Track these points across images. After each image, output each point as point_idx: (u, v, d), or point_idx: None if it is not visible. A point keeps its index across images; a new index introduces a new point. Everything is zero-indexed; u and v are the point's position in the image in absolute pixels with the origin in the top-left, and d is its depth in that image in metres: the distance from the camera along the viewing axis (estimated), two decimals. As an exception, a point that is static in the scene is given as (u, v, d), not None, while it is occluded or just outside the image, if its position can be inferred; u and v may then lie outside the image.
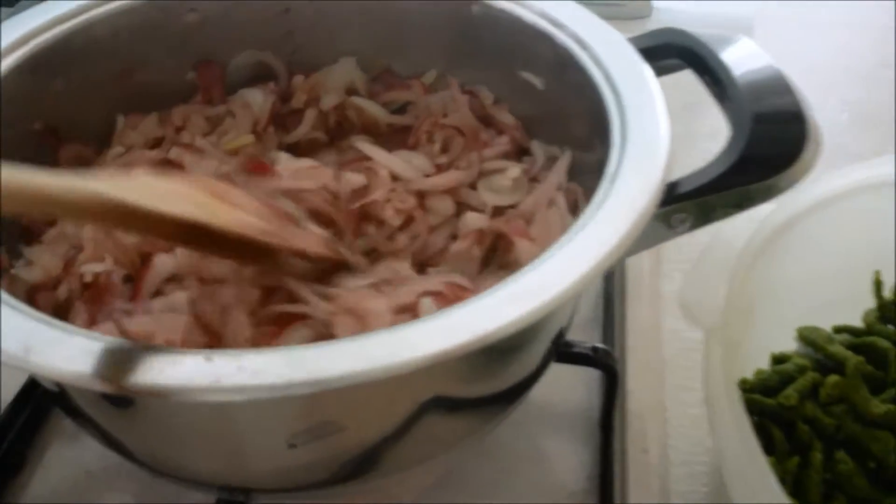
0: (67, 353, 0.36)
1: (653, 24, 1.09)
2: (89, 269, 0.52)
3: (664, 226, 0.50)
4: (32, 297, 0.53)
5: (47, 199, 0.38)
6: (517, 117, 0.66)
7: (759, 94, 0.52)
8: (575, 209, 0.59)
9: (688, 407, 0.64)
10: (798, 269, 0.62)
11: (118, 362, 0.36)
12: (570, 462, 0.61)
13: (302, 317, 0.50)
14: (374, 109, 0.68)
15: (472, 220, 0.59)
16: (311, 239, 0.53)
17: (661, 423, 0.63)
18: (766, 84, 0.52)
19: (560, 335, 0.54)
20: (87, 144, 0.61)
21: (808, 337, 0.64)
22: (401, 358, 0.36)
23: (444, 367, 0.40)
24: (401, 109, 0.69)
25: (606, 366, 0.59)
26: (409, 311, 0.50)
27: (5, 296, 0.40)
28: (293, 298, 0.51)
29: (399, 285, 0.52)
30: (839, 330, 0.65)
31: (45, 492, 0.59)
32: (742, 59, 0.54)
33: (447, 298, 0.51)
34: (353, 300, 0.50)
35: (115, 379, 0.35)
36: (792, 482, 0.55)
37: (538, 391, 0.55)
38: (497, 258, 0.59)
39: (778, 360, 0.63)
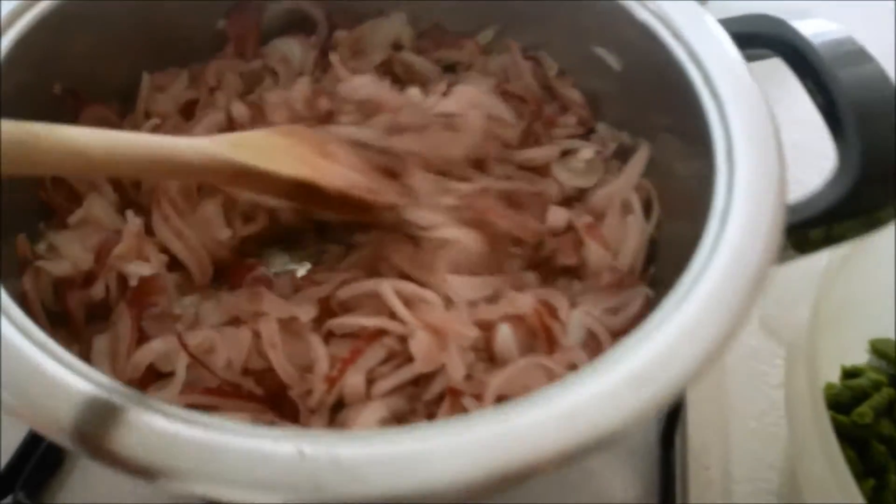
0: (126, 441, 0.31)
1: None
2: (135, 271, 0.46)
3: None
4: (61, 293, 0.47)
5: (158, 161, 0.40)
6: (584, 94, 0.59)
7: (869, 110, 0.46)
8: (648, 209, 0.54)
9: (749, 419, 0.61)
10: (872, 278, 0.59)
11: (189, 453, 0.31)
12: (627, 478, 0.57)
13: (379, 334, 0.46)
14: (423, 66, 0.61)
15: (557, 214, 0.54)
16: (396, 189, 0.51)
17: (722, 437, 0.60)
18: (874, 91, 0.47)
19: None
20: (111, 105, 0.55)
21: (881, 349, 0.60)
22: (518, 459, 0.32)
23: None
24: (449, 69, 0.62)
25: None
26: (486, 330, 0.47)
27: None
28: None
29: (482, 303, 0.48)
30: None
31: (84, 491, 0.54)
32: (843, 60, 0.49)
33: (527, 323, 0.47)
34: (435, 316, 0.46)
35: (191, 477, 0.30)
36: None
37: None
38: (553, 259, 0.54)
39: (849, 373, 0.59)
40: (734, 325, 0.37)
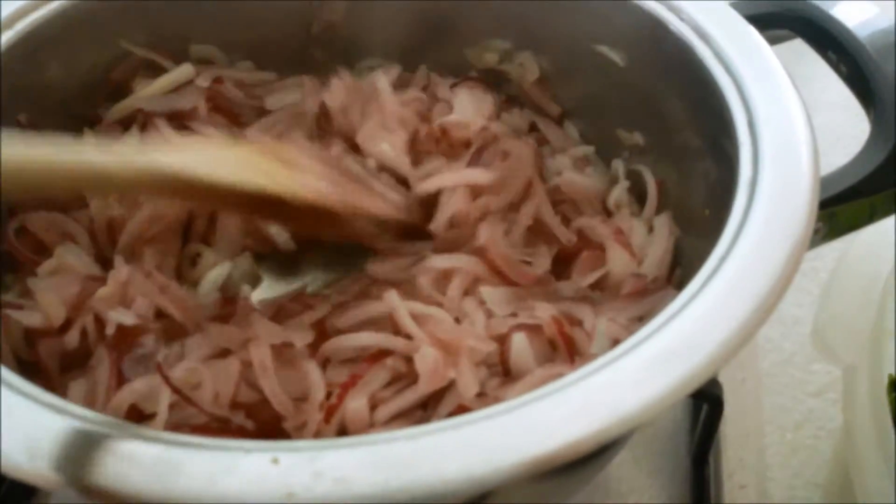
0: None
1: None
2: (117, 318, 0.42)
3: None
4: (32, 342, 0.43)
5: (102, 176, 0.37)
6: (588, 97, 0.56)
7: None
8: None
9: (786, 431, 0.56)
10: None
11: (162, 468, 0.27)
12: (655, 497, 0.53)
13: (381, 354, 0.42)
14: None
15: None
16: (384, 202, 0.50)
17: (759, 452, 0.55)
18: None
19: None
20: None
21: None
22: (525, 455, 0.27)
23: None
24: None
25: (712, 396, 0.50)
26: (499, 343, 0.43)
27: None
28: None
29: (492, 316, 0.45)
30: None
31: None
32: (864, 25, 0.46)
33: (545, 334, 0.43)
34: (444, 331, 0.43)
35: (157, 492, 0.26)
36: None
37: None
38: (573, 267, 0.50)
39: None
40: (767, 302, 0.33)
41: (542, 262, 0.49)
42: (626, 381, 0.30)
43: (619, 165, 0.54)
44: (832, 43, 0.46)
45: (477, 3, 0.56)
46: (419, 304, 0.44)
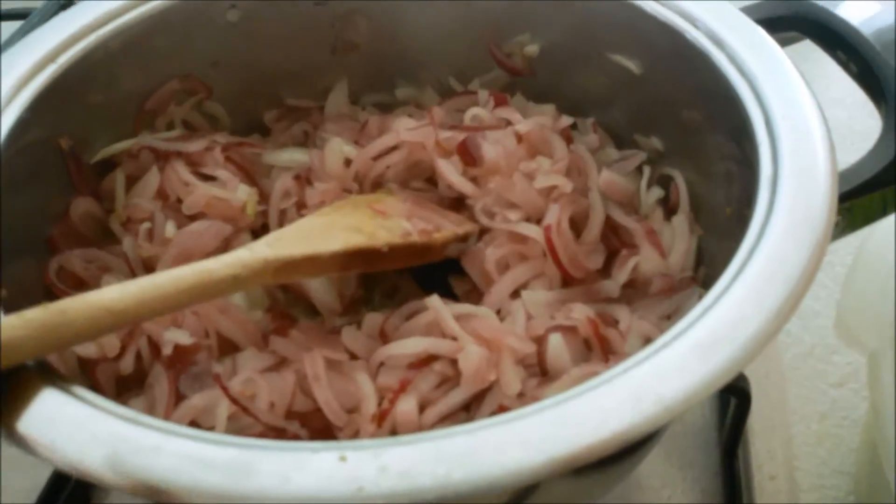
0: (170, 463, 0.29)
1: None
2: (171, 338, 0.44)
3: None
4: (89, 369, 0.44)
5: (191, 292, 0.39)
6: (604, 103, 0.58)
7: None
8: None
9: (811, 422, 0.58)
10: None
11: (235, 469, 0.28)
12: (689, 491, 0.54)
13: (429, 360, 0.44)
14: None
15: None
16: (456, 218, 0.52)
17: (786, 444, 0.56)
18: None
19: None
20: (97, 193, 0.54)
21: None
22: (579, 444, 0.29)
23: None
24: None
25: (739, 390, 0.52)
26: (537, 344, 0.44)
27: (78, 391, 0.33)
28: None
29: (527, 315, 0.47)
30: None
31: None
32: (870, 23, 0.48)
33: (580, 334, 0.44)
34: (487, 329, 0.44)
35: (233, 491, 0.28)
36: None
37: None
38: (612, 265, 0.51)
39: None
40: (795, 293, 0.35)
41: (597, 258, 0.51)
42: (668, 372, 0.31)
43: (646, 170, 0.55)
44: (841, 43, 0.48)
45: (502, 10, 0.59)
46: (463, 304, 0.47)
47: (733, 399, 0.53)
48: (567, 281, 0.49)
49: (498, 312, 0.47)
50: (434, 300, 0.45)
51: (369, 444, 0.29)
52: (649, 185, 0.54)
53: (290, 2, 0.59)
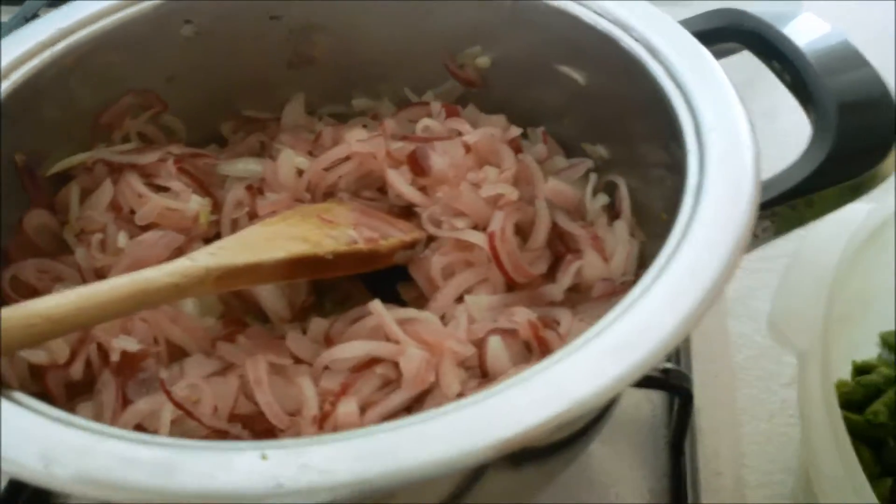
0: (99, 462, 0.30)
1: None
2: (122, 345, 0.45)
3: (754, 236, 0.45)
4: (38, 375, 0.45)
5: (132, 300, 0.41)
6: (553, 113, 0.59)
7: (840, 82, 0.46)
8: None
9: (760, 421, 0.59)
10: (883, 272, 0.57)
11: (160, 468, 0.30)
12: (637, 489, 0.56)
13: (371, 363, 0.45)
14: None
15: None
16: (404, 226, 0.54)
17: (734, 442, 0.57)
18: (846, 67, 0.47)
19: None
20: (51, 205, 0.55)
21: (892, 342, 0.58)
22: (489, 439, 0.30)
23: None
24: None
25: (680, 388, 0.53)
26: (478, 346, 0.46)
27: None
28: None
29: (470, 319, 0.48)
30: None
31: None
32: (812, 39, 0.49)
33: (521, 337, 0.46)
34: (429, 332, 0.46)
35: (159, 489, 0.29)
36: (888, 506, 0.50)
37: None
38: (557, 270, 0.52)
39: (861, 369, 0.57)
40: (708, 297, 0.36)
41: (542, 263, 0.53)
42: (581, 372, 0.33)
43: (592, 177, 0.57)
44: (775, 53, 0.49)
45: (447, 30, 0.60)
46: (407, 309, 0.48)
47: (677, 398, 0.54)
48: (511, 286, 0.51)
49: (443, 318, 0.49)
50: (376, 305, 0.46)
51: (292, 444, 0.30)
52: (595, 193, 0.55)
53: (246, 17, 0.60)
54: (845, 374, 0.57)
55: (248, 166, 0.59)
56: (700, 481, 0.55)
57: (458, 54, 0.62)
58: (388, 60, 0.63)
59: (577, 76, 0.56)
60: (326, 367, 0.45)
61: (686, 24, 0.52)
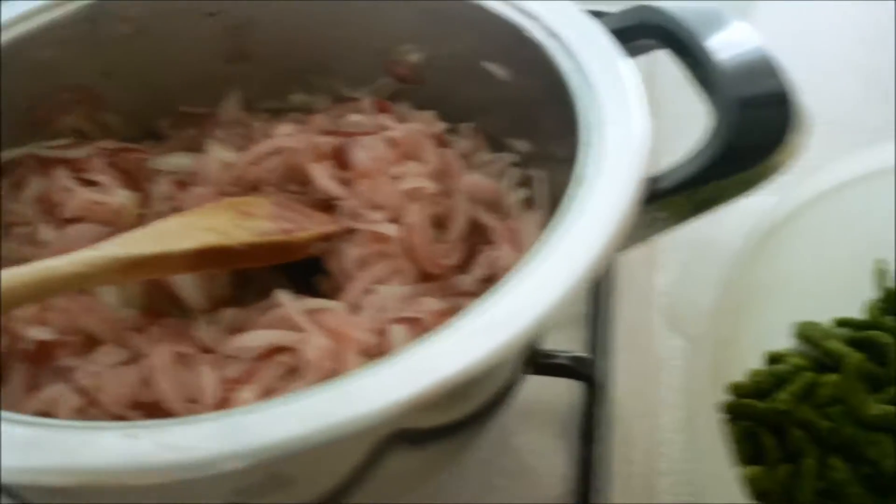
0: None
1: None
2: (34, 335, 0.46)
3: (644, 225, 0.46)
4: None
5: (33, 289, 0.41)
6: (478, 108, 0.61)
7: (742, 77, 0.48)
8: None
9: (679, 410, 0.60)
10: (798, 261, 0.59)
11: (22, 445, 0.31)
12: (553, 475, 0.57)
13: (274, 351, 0.46)
14: None
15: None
16: (323, 219, 0.54)
17: (650, 430, 0.58)
18: (750, 65, 0.49)
19: (536, 344, 0.50)
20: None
21: (805, 333, 0.60)
22: (344, 416, 0.31)
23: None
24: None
25: (587, 376, 0.55)
26: (381, 335, 0.47)
27: None
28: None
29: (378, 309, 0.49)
30: (842, 323, 0.61)
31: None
32: (723, 37, 0.50)
33: (423, 324, 0.47)
34: (335, 321, 0.47)
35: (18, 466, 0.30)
36: (783, 493, 0.51)
37: (519, 400, 0.51)
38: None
39: (774, 359, 0.59)
40: (579, 284, 0.37)
41: (457, 255, 0.54)
42: (450, 351, 0.34)
43: (514, 172, 0.58)
44: (684, 49, 0.51)
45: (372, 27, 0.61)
46: (317, 300, 0.49)
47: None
48: (426, 276, 0.52)
49: (356, 308, 0.50)
50: (281, 294, 0.47)
51: (155, 424, 0.32)
52: (515, 186, 0.57)
53: (182, 14, 0.62)
54: (759, 363, 0.58)
55: (179, 161, 0.59)
56: (612, 468, 0.56)
57: (391, 51, 0.63)
58: (324, 57, 0.64)
59: (500, 72, 0.57)
60: (231, 356, 0.46)
61: (607, 21, 0.53)
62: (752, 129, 0.46)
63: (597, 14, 0.54)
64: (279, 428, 0.31)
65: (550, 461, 0.58)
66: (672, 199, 0.46)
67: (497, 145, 0.60)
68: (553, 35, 0.52)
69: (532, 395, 0.60)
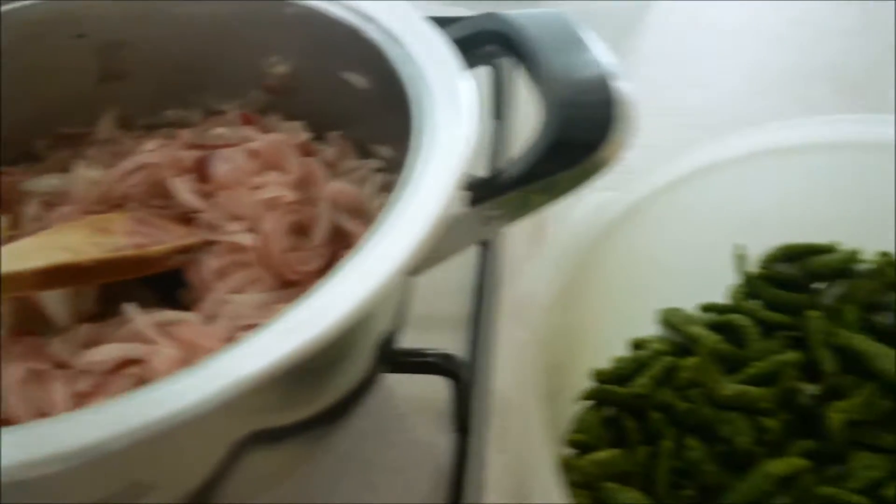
0: None
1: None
2: None
3: (479, 223, 0.48)
4: None
5: None
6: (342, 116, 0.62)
7: (570, 79, 0.50)
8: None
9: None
10: (664, 249, 0.61)
11: None
12: (434, 471, 0.58)
13: (125, 364, 0.47)
14: None
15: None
16: (181, 232, 0.56)
17: (525, 422, 0.60)
18: (580, 68, 0.51)
19: (387, 343, 0.51)
20: None
21: (668, 319, 0.62)
22: (148, 420, 0.33)
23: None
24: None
25: (454, 373, 0.57)
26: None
27: None
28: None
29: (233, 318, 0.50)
30: (707, 308, 0.63)
31: None
32: (560, 42, 0.52)
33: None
34: (188, 332, 0.48)
35: None
36: (642, 474, 0.53)
37: (399, 395, 0.53)
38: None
39: (637, 345, 0.61)
40: (384, 287, 0.39)
41: (318, 261, 0.55)
42: (252, 353, 0.35)
43: (378, 178, 0.60)
44: (518, 52, 0.53)
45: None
46: (172, 312, 0.50)
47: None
48: (286, 283, 0.53)
49: (213, 318, 0.51)
50: (129, 308, 0.49)
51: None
52: (378, 192, 0.58)
53: (52, 37, 0.63)
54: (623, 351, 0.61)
55: (49, 181, 0.61)
56: (486, 459, 0.57)
57: (260, 64, 0.64)
58: (197, 72, 0.66)
59: (358, 81, 0.59)
60: (85, 371, 0.47)
61: (454, 30, 0.56)
62: (577, 127, 0.48)
63: (447, 21, 0.57)
64: (80, 434, 0.32)
65: (431, 456, 0.59)
66: (505, 197, 0.47)
67: (364, 152, 0.62)
68: (395, 41, 0.54)
69: (414, 393, 0.62)
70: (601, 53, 0.51)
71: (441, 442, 0.60)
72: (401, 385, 0.62)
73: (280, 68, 0.64)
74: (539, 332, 0.48)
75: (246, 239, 0.53)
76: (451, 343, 0.63)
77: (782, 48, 0.99)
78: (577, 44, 0.52)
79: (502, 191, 0.47)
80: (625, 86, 0.49)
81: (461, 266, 0.69)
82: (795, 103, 0.91)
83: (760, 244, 0.64)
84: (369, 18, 0.56)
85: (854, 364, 0.56)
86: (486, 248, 0.70)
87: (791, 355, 0.57)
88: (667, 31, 1.03)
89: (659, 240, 0.62)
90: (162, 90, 0.67)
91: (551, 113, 0.48)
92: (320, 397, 0.46)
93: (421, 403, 0.62)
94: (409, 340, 0.59)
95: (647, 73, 0.94)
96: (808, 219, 0.64)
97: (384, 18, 0.55)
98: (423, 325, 0.66)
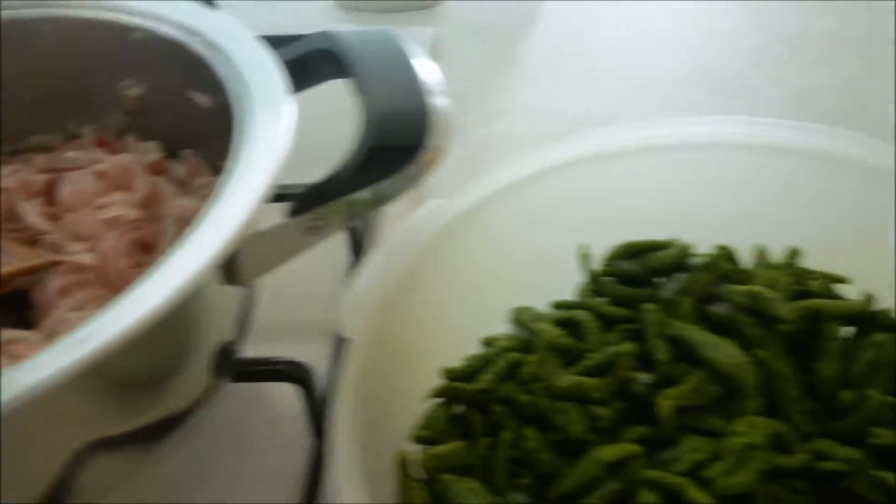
0: None
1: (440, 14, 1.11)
2: None
3: (303, 233, 0.50)
4: None
5: None
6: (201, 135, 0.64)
7: (387, 93, 0.52)
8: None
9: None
10: (514, 249, 0.64)
11: None
12: (288, 474, 0.60)
13: None
14: None
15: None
16: (28, 255, 0.57)
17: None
18: (398, 81, 0.53)
19: (227, 353, 0.53)
20: None
21: (517, 317, 0.64)
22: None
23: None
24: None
25: (301, 380, 0.59)
26: None
27: None
28: None
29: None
30: (557, 306, 0.66)
31: None
32: (381, 57, 0.55)
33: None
34: (24, 349, 0.50)
35: None
36: (483, 465, 0.55)
37: (268, 404, 0.54)
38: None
39: (487, 343, 0.63)
40: (179, 296, 0.41)
41: None
42: (35, 366, 0.37)
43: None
44: (343, 70, 0.55)
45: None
46: (14, 331, 0.52)
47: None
48: None
49: (55, 336, 0.53)
50: None
51: None
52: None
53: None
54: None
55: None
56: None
57: (115, 87, 0.66)
58: (56, 99, 0.67)
59: (203, 100, 0.61)
60: None
61: (288, 51, 0.58)
62: (393, 134, 0.50)
63: (285, 39, 0.59)
64: None
65: (293, 461, 0.61)
66: (327, 206, 0.49)
67: (217, 169, 0.64)
68: (230, 63, 0.55)
69: (277, 399, 0.64)
70: (423, 69, 0.54)
71: (302, 445, 0.62)
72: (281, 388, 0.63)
73: (134, 91, 0.66)
74: (364, 335, 0.50)
75: (86, 258, 0.55)
76: (321, 350, 0.65)
77: (666, 51, 1.03)
78: (399, 60, 0.54)
79: (324, 200, 0.49)
80: (440, 98, 0.52)
81: (335, 274, 0.72)
82: (675, 104, 0.94)
83: (615, 242, 0.67)
84: (213, 46, 0.58)
85: (686, 353, 0.59)
86: (357, 256, 0.72)
87: (625, 346, 0.59)
88: (553, 33, 1.06)
89: (510, 240, 0.64)
90: (24, 117, 0.68)
91: (369, 122, 0.51)
92: (157, 405, 0.48)
93: (286, 410, 0.64)
94: (278, 349, 0.61)
95: (531, 79, 0.97)
96: (672, 216, 0.66)
97: (227, 46, 0.57)
98: (295, 333, 0.69)
